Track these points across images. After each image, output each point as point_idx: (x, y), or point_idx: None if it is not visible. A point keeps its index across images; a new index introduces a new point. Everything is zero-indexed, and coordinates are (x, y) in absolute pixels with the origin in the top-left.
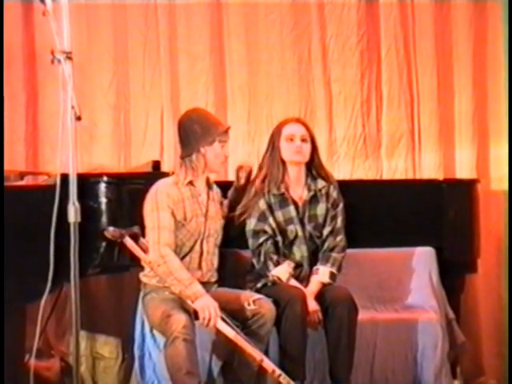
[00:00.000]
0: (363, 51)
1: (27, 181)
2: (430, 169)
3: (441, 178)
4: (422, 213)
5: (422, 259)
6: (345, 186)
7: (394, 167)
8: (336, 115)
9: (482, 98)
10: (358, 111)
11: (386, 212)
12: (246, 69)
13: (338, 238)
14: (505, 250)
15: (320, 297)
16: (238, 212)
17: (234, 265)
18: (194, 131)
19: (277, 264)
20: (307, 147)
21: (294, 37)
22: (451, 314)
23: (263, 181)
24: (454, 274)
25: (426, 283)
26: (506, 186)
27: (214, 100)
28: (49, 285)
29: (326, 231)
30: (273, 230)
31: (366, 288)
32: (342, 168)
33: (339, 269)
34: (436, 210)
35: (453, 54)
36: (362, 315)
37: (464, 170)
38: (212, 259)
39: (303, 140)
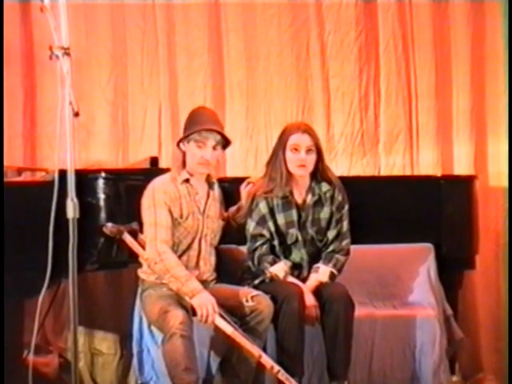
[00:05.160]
0: (361, 47)
1: (25, 177)
2: (427, 165)
3: (439, 174)
4: (420, 209)
5: (420, 255)
6: (342, 183)
7: (391, 163)
8: (334, 111)
9: (480, 94)
10: (356, 107)
11: (383, 208)
12: (244, 65)
13: (344, 243)
14: (504, 247)
15: (317, 293)
16: (238, 219)
17: (232, 261)
18: (183, 126)
19: (273, 263)
20: (312, 158)
21: (292, 33)
22: (449, 311)
23: (267, 187)
24: (452, 270)
25: (424, 279)
26: (504, 183)
27: (212, 96)
28: (47, 280)
29: (330, 235)
30: (271, 233)
31: (364, 284)
32: (340, 164)
33: (340, 270)
34: (434, 206)
35: (451, 50)
36: (360, 312)
37: (462, 166)
38: (210, 258)
39: (308, 150)
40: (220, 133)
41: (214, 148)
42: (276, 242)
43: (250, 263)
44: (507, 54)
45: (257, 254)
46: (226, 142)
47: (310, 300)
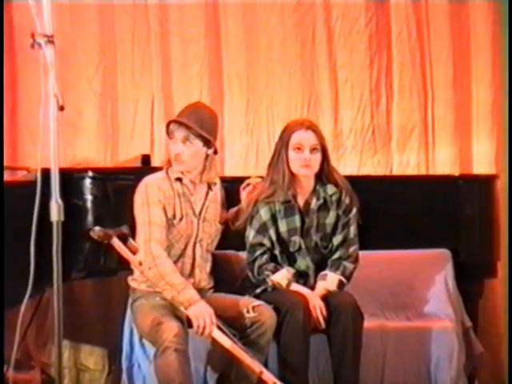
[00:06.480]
0: (372, 35)
1: (5, 176)
2: (444, 163)
3: (456, 173)
4: (436, 211)
5: (437, 262)
6: (351, 183)
7: (405, 162)
8: (342, 105)
9: (501, 85)
10: (367, 100)
11: (396, 211)
12: (243, 54)
13: (351, 249)
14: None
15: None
16: (237, 223)
17: (231, 268)
18: None
19: (275, 271)
20: (317, 158)
21: (296, 19)
22: (468, 323)
23: (269, 190)
24: (472, 278)
25: (440, 288)
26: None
27: (208, 88)
28: (29, 289)
29: (336, 241)
30: (272, 242)
31: (375, 293)
32: (349, 163)
33: (349, 279)
34: (451, 208)
35: (470, 37)
36: (371, 323)
37: (482, 164)
38: (205, 265)
39: (313, 149)
40: (192, 127)
41: (183, 142)
42: (277, 251)
43: (249, 273)
44: (507, 55)
45: (256, 264)
46: (206, 140)
47: (316, 302)
